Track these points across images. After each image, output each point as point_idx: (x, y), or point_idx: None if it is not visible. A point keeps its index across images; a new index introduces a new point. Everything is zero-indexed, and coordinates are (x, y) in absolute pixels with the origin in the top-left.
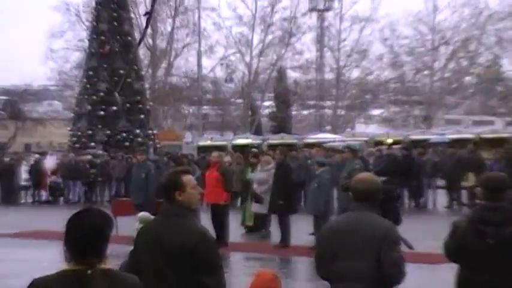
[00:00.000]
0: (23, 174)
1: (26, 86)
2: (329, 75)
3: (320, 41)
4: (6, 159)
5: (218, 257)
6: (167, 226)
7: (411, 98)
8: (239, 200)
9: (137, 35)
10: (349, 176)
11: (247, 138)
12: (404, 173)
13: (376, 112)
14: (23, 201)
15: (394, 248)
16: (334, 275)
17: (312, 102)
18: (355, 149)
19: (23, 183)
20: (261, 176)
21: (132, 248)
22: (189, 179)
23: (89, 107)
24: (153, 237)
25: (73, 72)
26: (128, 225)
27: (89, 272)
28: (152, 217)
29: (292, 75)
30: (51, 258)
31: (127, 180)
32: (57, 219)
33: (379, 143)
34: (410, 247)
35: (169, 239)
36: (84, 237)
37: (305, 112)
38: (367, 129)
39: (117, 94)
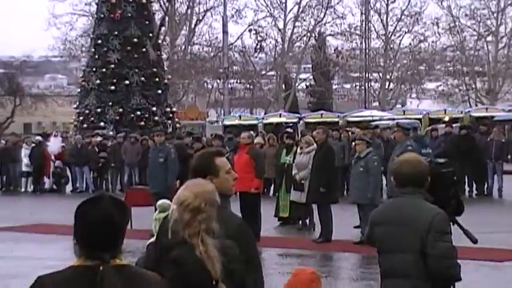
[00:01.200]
0: (23, 159)
1: (25, 57)
2: (376, 43)
3: (365, 3)
4: (3, 141)
5: (256, 252)
6: None
7: (472, 69)
8: (272, 187)
9: None
10: None
11: (280, 116)
12: (465, 155)
13: (431, 85)
14: (23, 189)
15: (441, 238)
16: (381, 270)
17: (356, 75)
18: (406, 128)
19: (23, 169)
20: (302, 159)
21: (149, 241)
22: (223, 161)
23: (98, 81)
24: None
25: (79, 41)
26: (143, 217)
27: (102, 268)
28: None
29: (333, 43)
30: (57, 256)
31: (142, 166)
32: (62, 210)
33: (434, 121)
34: (473, 241)
35: None
36: (96, 229)
37: (348, 86)
38: (421, 105)
39: (150, 49)
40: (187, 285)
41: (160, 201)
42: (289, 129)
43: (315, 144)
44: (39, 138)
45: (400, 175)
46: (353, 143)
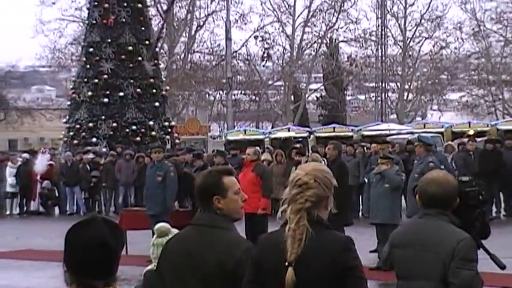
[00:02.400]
0: (8, 178)
1: (9, 67)
2: (393, 50)
3: (381, 6)
4: None
5: None
6: (201, 240)
7: (499, 78)
8: (280, 208)
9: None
10: (421, 175)
11: (289, 130)
12: (492, 172)
13: (453, 96)
14: (7, 212)
15: (465, 265)
16: None
17: (371, 85)
18: (427, 143)
19: (7, 189)
20: None
21: (146, 269)
22: (232, 181)
23: (90, 93)
24: (181, 254)
25: (69, 49)
26: (140, 242)
27: None
28: (173, 229)
29: (346, 50)
30: (45, 285)
31: (138, 185)
32: (51, 234)
33: (458, 135)
34: (501, 266)
35: (203, 256)
36: (88, 254)
37: (362, 97)
38: (443, 118)
39: (147, 64)
40: (259, 264)
41: (158, 225)
42: (298, 145)
43: (322, 162)
44: (26, 155)
45: (426, 195)
46: (377, 160)
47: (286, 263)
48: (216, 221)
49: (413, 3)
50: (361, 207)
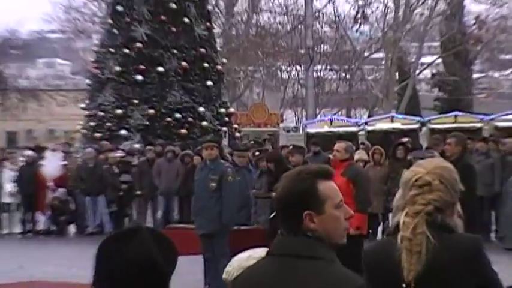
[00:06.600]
0: (6, 185)
1: (9, 33)
2: None
3: None
4: None
5: None
6: (287, 279)
7: None
8: (381, 226)
9: None
10: None
11: (393, 120)
12: None
13: None
14: (6, 231)
15: None
16: None
17: (508, 57)
18: None
19: (6, 200)
20: None
21: None
22: (332, 189)
23: (118, 69)
24: None
25: (89, 7)
26: (184, 273)
27: None
28: (250, 261)
29: (473, 8)
30: None
31: (185, 194)
32: (65, 261)
33: None
34: None
35: None
36: (129, 279)
37: (496, 74)
38: None
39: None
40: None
41: (234, 259)
42: (405, 139)
43: None
44: (30, 153)
45: None
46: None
47: (404, 285)
48: (308, 249)
49: None
50: (493, 226)
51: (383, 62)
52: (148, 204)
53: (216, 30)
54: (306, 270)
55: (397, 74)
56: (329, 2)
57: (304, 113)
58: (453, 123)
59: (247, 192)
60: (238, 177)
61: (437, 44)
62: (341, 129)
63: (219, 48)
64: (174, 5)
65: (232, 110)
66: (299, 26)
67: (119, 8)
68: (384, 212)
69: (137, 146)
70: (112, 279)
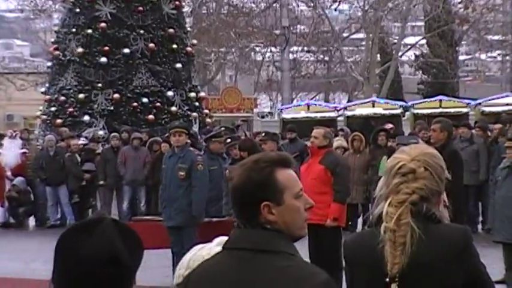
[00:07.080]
0: None
1: None
2: None
3: None
4: None
5: None
6: (245, 274)
7: None
8: (360, 218)
9: None
10: None
11: (374, 105)
12: None
13: None
14: None
15: None
16: None
17: (496, 38)
18: None
19: None
20: None
21: None
22: (290, 178)
23: (80, 50)
24: None
25: None
26: (152, 267)
27: None
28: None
29: None
30: None
31: (152, 184)
32: (24, 256)
33: None
34: None
35: None
36: (91, 273)
37: (483, 56)
38: None
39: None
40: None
41: (189, 255)
42: (388, 125)
43: None
44: None
45: None
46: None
47: (387, 279)
48: (267, 242)
49: None
50: (480, 217)
51: (363, 43)
52: (113, 194)
53: (186, 8)
54: (265, 265)
55: (378, 55)
56: None
57: (279, 98)
58: (438, 108)
59: (223, 182)
60: (215, 167)
61: (421, 23)
62: (319, 115)
63: (188, 28)
64: None
65: (202, 94)
66: (274, 5)
67: None
68: (364, 202)
69: (101, 132)
70: (71, 275)
